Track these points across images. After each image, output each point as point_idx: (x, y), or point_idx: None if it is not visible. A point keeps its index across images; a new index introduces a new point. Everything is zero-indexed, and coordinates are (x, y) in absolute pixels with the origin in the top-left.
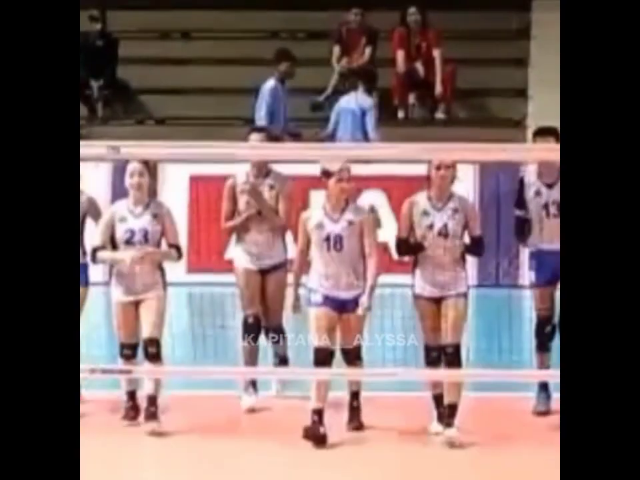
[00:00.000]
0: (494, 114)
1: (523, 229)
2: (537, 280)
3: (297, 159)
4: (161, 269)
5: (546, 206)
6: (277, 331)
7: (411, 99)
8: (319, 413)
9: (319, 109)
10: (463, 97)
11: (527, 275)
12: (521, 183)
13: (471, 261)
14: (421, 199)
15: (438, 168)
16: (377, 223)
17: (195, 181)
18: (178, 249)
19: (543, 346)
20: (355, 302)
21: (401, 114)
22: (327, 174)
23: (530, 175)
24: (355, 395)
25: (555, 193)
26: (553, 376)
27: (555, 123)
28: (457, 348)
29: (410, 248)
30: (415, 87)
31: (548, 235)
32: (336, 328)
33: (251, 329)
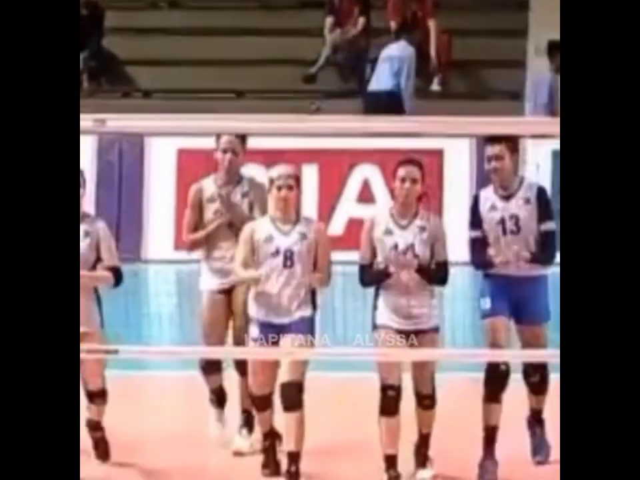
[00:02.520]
0: (491, 86)
1: (480, 251)
2: (492, 308)
3: (285, 132)
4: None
5: (502, 222)
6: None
7: None
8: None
9: (312, 80)
10: (459, 68)
11: (479, 300)
12: (476, 199)
13: (460, 236)
14: (383, 216)
15: (403, 180)
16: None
17: (182, 154)
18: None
19: (493, 395)
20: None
21: None
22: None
23: (484, 192)
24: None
25: (513, 207)
26: (552, 356)
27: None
28: (433, 397)
29: (373, 276)
30: None
31: (504, 257)
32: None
33: (214, 365)
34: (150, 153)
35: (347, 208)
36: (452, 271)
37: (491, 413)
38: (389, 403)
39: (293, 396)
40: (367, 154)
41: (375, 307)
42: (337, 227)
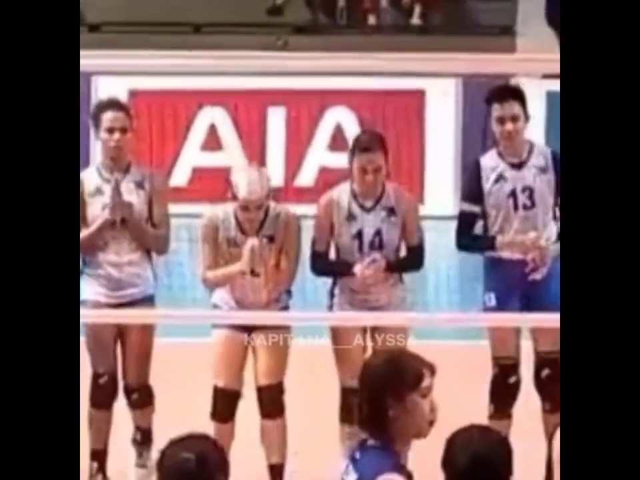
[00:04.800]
0: (478, 19)
1: (470, 228)
2: (498, 306)
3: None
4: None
5: (513, 194)
6: (142, 392)
7: (383, 2)
8: None
9: (278, 13)
10: (442, 0)
11: (481, 296)
12: (477, 166)
13: (451, 188)
14: (343, 197)
15: (364, 171)
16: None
17: (134, 95)
18: None
19: (501, 411)
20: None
21: (371, 20)
22: (240, 205)
23: (488, 159)
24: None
25: (527, 175)
26: (552, 320)
27: (546, 28)
28: None
29: (330, 268)
30: None
31: (514, 240)
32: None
33: (103, 393)
34: (97, 94)
35: (318, 156)
36: (439, 226)
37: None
38: (350, 408)
39: (275, 400)
40: (339, 95)
41: (331, 294)
42: (306, 177)
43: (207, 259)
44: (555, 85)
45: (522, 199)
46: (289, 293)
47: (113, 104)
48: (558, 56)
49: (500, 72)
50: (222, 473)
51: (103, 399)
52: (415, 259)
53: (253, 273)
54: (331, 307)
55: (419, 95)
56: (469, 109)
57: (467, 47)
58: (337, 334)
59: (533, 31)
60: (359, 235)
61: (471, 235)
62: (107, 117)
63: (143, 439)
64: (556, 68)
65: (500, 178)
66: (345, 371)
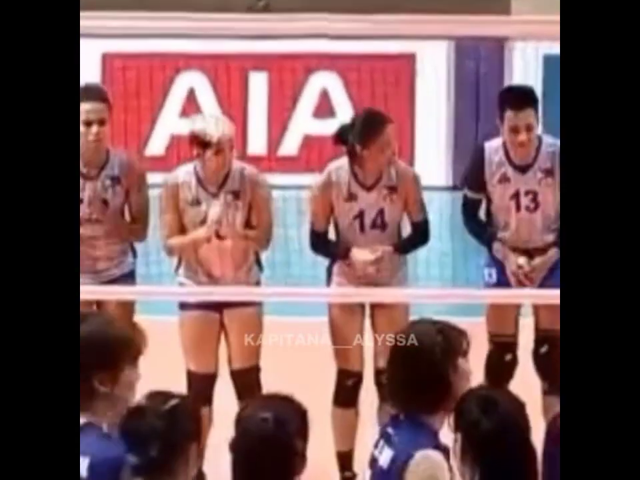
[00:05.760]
0: None
1: (475, 214)
2: (498, 281)
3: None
4: None
5: (516, 196)
6: None
7: None
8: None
9: None
10: None
11: (474, 271)
12: (481, 158)
13: (444, 159)
14: (342, 176)
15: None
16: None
17: (109, 59)
18: None
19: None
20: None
21: None
22: (203, 144)
23: (494, 151)
24: None
25: (531, 180)
26: (552, 297)
27: None
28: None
29: (330, 249)
30: None
31: (515, 236)
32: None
33: None
34: None
35: (302, 124)
36: (430, 196)
37: None
38: (347, 393)
39: (251, 385)
40: (325, 59)
41: (329, 273)
42: (290, 146)
43: (169, 226)
44: (553, 49)
45: (525, 201)
46: (259, 266)
47: (90, 93)
48: (556, 17)
49: (494, 35)
50: (301, 437)
51: None
52: (420, 235)
53: (219, 236)
54: (329, 285)
55: (409, 58)
56: (461, 74)
57: (460, 8)
58: (334, 315)
59: None
60: (360, 215)
61: (475, 221)
62: (85, 108)
63: None
64: (555, 31)
65: (503, 179)
66: (341, 352)
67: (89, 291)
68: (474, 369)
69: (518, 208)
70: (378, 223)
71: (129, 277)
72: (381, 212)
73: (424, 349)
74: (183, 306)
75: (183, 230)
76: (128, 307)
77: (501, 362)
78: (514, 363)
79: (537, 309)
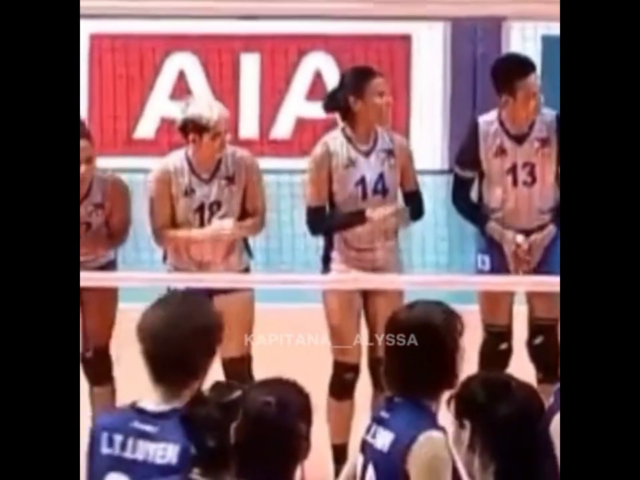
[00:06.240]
0: None
1: (466, 194)
2: (491, 268)
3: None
4: None
5: (513, 169)
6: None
7: None
8: None
9: None
10: None
11: (470, 258)
12: (475, 133)
13: (440, 141)
14: (338, 144)
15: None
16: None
17: (97, 40)
18: None
19: None
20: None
21: None
22: (199, 128)
23: (488, 123)
24: None
25: (528, 151)
26: (552, 283)
27: None
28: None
29: (335, 221)
30: None
31: (513, 215)
32: None
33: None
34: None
35: (295, 106)
36: (426, 181)
37: None
38: (343, 386)
39: (242, 374)
40: (319, 40)
41: (325, 259)
42: (282, 129)
43: (161, 215)
44: (551, 29)
45: (522, 175)
46: (249, 252)
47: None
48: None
49: (491, 14)
50: (304, 420)
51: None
52: (416, 205)
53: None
54: (325, 271)
55: (405, 40)
56: (458, 56)
57: None
58: (332, 305)
59: None
60: (362, 181)
61: (467, 202)
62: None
63: None
64: (553, 10)
65: (500, 151)
66: (339, 338)
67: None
68: (468, 358)
69: (515, 182)
70: (379, 189)
71: (108, 267)
72: (381, 176)
73: (430, 328)
74: None
75: (174, 218)
76: (108, 295)
77: (495, 351)
78: (509, 352)
79: (530, 297)
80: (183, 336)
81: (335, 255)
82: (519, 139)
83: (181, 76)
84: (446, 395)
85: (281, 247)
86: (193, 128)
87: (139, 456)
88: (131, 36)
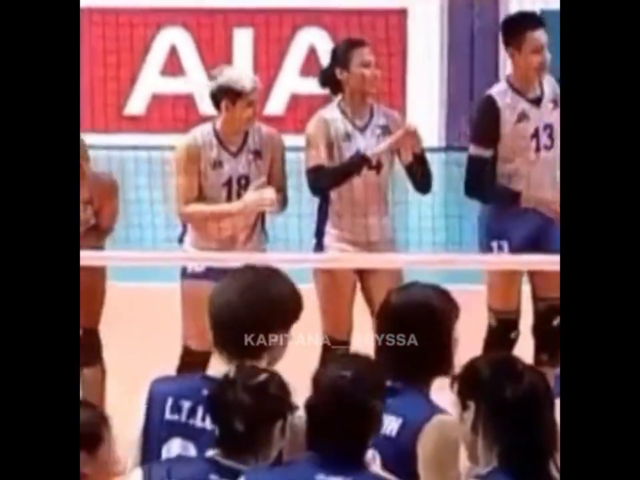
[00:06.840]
0: None
1: (482, 175)
2: (510, 249)
3: None
4: None
5: (536, 134)
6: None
7: None
8: None
9: None
10: None
11: (468, 235)
12: (493, 108)
13: (437, 118)
14: (335, 115)
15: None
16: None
17: (87, 14)
18: None
19: None
20: None
21: None
22: (234, 94)
23: (502, 95)
24: None
25: (545, 112)
26: (552, 262)
27: None
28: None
29: (338, 172)
30: None
31: (538, 183)
32: None
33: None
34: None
35: (289, 82)
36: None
37: None
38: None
39: None
40: (313, 15)
41: (319, 233)
42: (276, 105)
43: (187, 190)
44: (549, 3)
45: (544, 138)
46: (265, 234)
47: None
48: None
49: None
50: (378, 397)
51: None
52: (425, 164)
53: (240, 194)
54: (319, 247)
55: (401, 14)
56: (455, 30)
57: None
58: (326, 281)
59: None
60: (365, 157)
61: (492, 183)
62: None
63: None
64: None
65: (523, 117)
66: (332, 315)
67: (89, 257)
68: (471, 340)
69: (537, 148)
70: (375, 164)
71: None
72: (391, 153)
73: (428, 312)
74: (185, 276)
75: (200, 194)
76: (97, 275)
77: (504, 340)
78: (516, 339)
79: (533, 276)
80: (258, 305)
81: (328, 228)
82: (536, 102)
83: (173, 51)
84: (437, 381)
85: (273, 225)
86: (227, 94)
87: (208, 425)
88: (122, 10)
